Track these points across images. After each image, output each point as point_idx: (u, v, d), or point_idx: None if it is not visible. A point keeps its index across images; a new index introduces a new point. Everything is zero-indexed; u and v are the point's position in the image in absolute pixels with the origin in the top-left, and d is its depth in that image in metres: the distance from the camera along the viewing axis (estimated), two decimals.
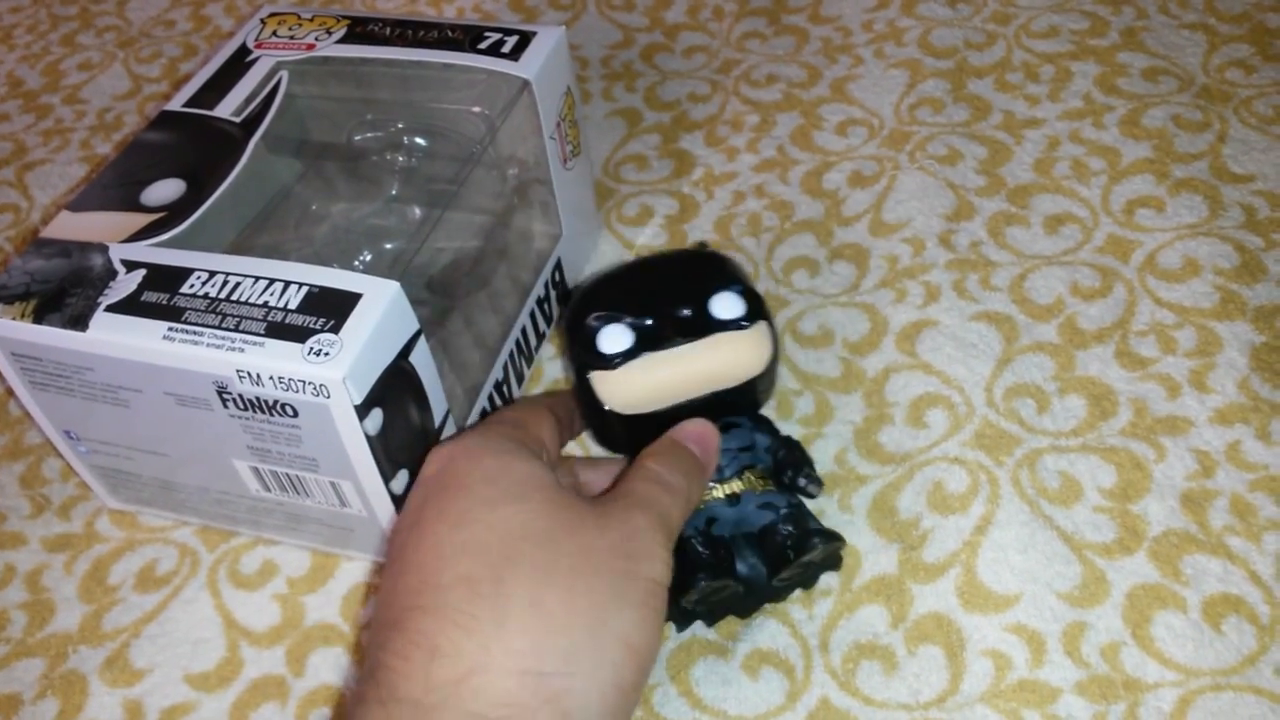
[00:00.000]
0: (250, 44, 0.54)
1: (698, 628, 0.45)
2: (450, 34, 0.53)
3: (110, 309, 0.42)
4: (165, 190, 0.47)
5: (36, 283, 0.43)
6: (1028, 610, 0.44)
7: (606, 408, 0.44)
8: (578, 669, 0.34)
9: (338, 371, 0.39)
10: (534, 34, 0.52)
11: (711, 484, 0.44)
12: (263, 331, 0.40)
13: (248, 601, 0.48)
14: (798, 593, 0.46)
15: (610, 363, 0.43)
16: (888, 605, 0.45)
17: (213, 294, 0.42)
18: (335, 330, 0.40)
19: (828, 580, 0.46)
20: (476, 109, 0.52)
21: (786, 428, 0.51)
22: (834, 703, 0.42)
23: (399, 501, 0.44)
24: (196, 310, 0.41)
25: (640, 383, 0.44)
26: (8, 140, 0.74)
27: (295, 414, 0.40)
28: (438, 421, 0.45)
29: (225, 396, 0.41)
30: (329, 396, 0.39)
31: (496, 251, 0.52)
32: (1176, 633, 0.43)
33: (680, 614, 0.44)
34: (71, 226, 0.46)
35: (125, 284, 0.43)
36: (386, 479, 0.42)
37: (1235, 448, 0.48)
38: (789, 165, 0.64)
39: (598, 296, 0.46)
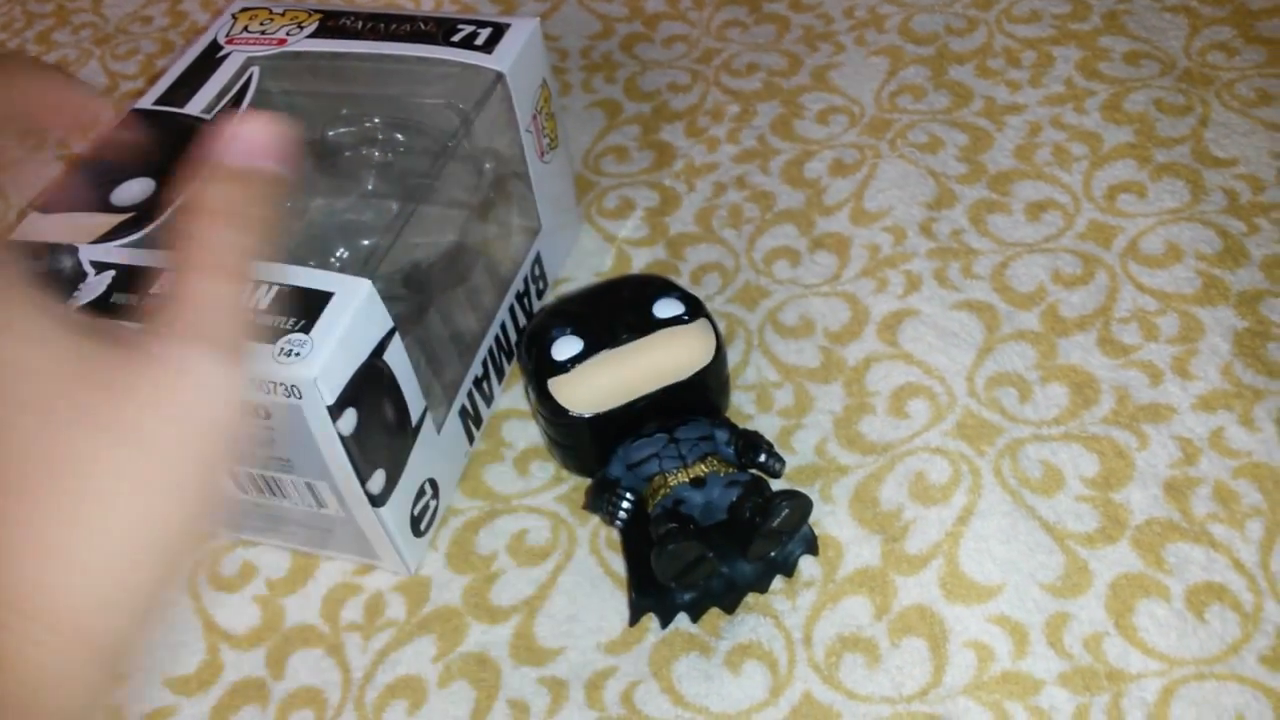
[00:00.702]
0: (221, 40, 0.53)
1: (681, 620, 0.45)
2: (423, 26, 0.52)
3: (81, 310, 0.41)
4: (135, 189, 0.47)
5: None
6: (1010, 601, 0.44)
7: (570, 413, 0.46)
8: None
9: (309, 372, 0.38)
10: (508, 26, 0.52)
11: (674, 468, 0.45)
12: None
13: (227, 604, 0.48)
14: (781, 584, 0.45)
15: (564, 368, 0.47)
16: (871, 597, 0.45)
17: None
18: (306, 330, 0.39)
19: (810, 571, 0.46)
20: (451, 102, 0.52)
21: (766, 420, 0.51)
22: (817, 697, 0.42)
23: (376, 501, 0.43)
24: None
25: (593, 382, 0.47)
26: None
27: (268, 415, 0.40)
28: (415, 419, 0.45)
29: None
30: (301, 397, 0.39)
31: (474, 246, 0.52)
32: (1160, 622, 0.43)
33: (664, 607, 0.44)
34: (41, 228, 0.45)
35: (95, 285, 0.42)
36: (363, 479, 0.42)
37: (1218, 434, 0.48)
38: (770, 155, 0.64)
39: (548, 320, 0.49)
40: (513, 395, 0.54)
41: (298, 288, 0.41)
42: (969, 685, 0.42)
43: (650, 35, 0.73)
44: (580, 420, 0.47)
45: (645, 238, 0.60)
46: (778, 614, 0.45)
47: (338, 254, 0.51)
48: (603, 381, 0.47)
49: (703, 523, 0.44)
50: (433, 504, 0.48)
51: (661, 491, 0.45)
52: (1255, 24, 0.66)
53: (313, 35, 0.53)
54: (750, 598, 0.45)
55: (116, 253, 0.44)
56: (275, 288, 0.41)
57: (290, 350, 0.39)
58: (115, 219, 0.45)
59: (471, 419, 0.51)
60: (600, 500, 0.46)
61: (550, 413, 0.47)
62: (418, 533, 0.47)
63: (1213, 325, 0.52)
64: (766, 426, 0.50)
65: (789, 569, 0.45)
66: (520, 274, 0.54)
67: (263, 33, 0.53)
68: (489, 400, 0.53)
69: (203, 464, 0.25)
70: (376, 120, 0.54)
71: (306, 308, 0.40)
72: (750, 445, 0.46)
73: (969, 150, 0.62)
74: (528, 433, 0.52)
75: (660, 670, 0.44)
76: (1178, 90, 0.63)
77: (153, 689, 0.45)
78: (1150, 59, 0.65)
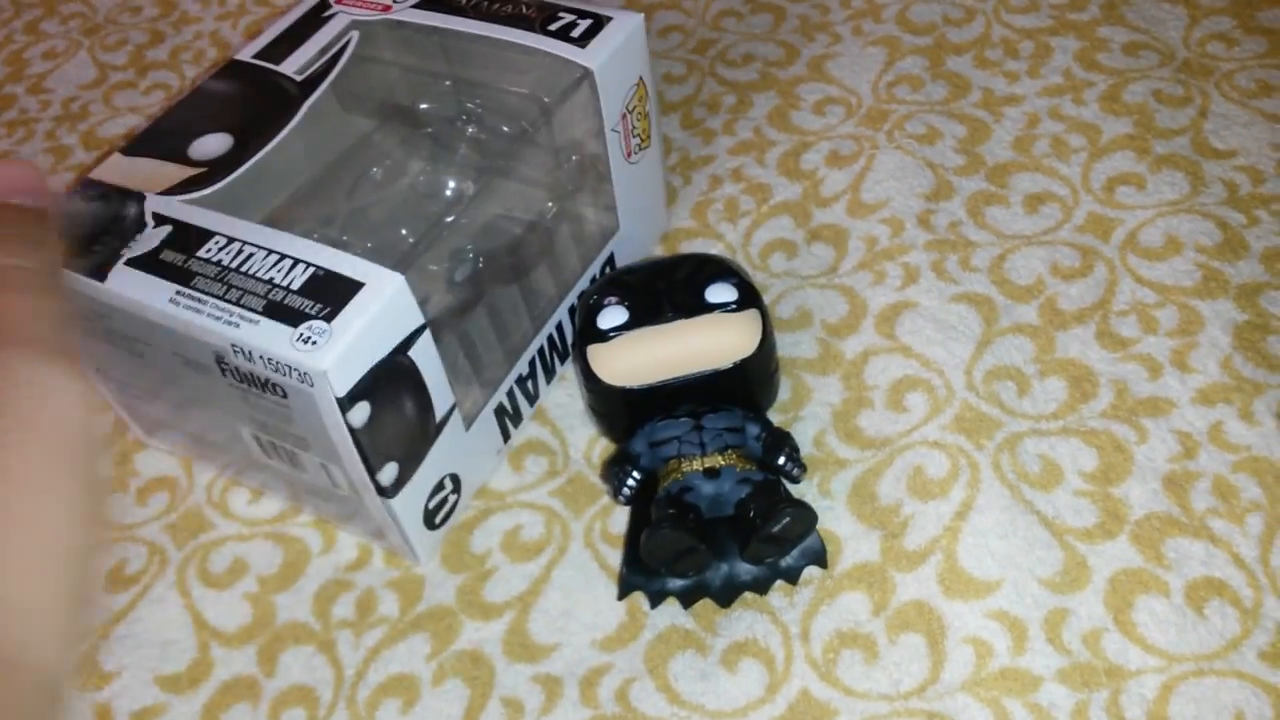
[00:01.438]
0: None
1: (678, 616, 0.44)
2: (525, 9, 0.51)
3: (130, 263, 0.42)
4: (212, 145, 0.47)
5: (72, 225, 0.44)
6: (1009, 597, 0.43)
7: (602, 382, 0.46)
8: None
9: (322, 362, 0.38)
10: (609, 19, 0.50)
11: (692, 455, 0.44)
12: (260, 309, 0.39)
13: (218, 601, 0.47)
14: (779, 581, 0.45)
15: (605, 337, 0.46)
16: (869, 593, 0.44)
17: (225, 262, 0.41)
18: (329, 319, 0.39)
19: (809, 568, 0.45)
20: (534, 94, 0.50)
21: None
22: (814, 694, 0.42)
23: (386, 493, 0.43)
24: (206, 277, 0.41)
25: (630, 355, 0.46)
26: None
27: (285, 395, 0.40)
28: (440, 417, 0.44)
29: (224, 367, 0.41)
30: (313, 385, 0.38)
31: (538, 244, 0.50)
32: (1159, 618, 0.42)
33: (652, 588, 0.44)
34: (120, 170, 0.46)
35: (149, 239, 0.43)
36: (372, 471, 0.42)
37: (1218, 428, 0.47)
38: (766, 146, 0.63)
39: (604, 288, 0.49)
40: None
41: (332, 273, 0.40)
42: (967, 682, 0.41)
43: (646, 25, 0.72)
44: (612, 390, 0.46)
45: None
46: (775, 610, 0.44)
47: (401, 233, 0.51)
48: (640, 357, 0.46)
49: (707, 514, 0.44)
50: (452, 498, 0.47)
51: (673, 475, 0.44)
52: (1255, 14, 0.66)
53: (417, 5, 0.52)
54: (747, 594, 0.45)
55: (178, 207, 0.44)
56: (311, 269, 0.40)
57: (309, 338, 0.38)
58: (188, 172, 0.45)
59: (510, 417, 0.50)
60: (611, 472, 0.46)
61: (585, 378, 0.47)
62: (432, 526, 0.46)
63: (1212, 318, 0.51)
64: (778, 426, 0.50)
65: (792, 578, 0.45)
66: (587, 274, 0.53)
67: None
68: (533, 399, 0.52)
69: (68, 472, 0.24)
70: (464, 100, 0.53)
71: (336, 295, 0.39)
72: (774, 445, 0.45)
73: (967, 141, 0.61)
74: (523, 428, 0.52)
75: (656, 667, 0.43)
76: (1177, 81, 0.63)
77: (142, 687, 0.45)
78: (1149, 49, 0.65)
